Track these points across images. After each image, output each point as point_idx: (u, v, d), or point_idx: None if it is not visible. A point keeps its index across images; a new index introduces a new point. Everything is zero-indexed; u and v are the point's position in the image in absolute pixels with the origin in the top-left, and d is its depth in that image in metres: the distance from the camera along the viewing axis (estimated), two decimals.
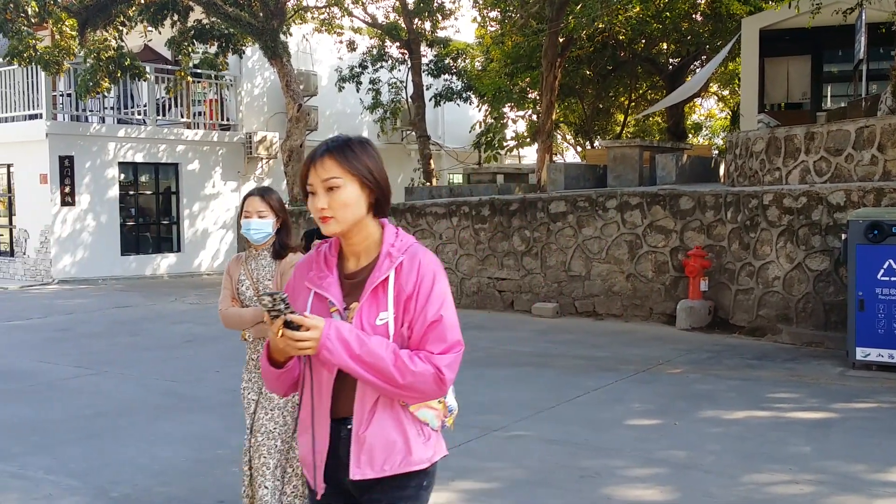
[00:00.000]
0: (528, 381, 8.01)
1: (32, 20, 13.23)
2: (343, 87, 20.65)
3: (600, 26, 18.78)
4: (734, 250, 10.40)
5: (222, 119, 20.38)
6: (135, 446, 6.07)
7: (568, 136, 28.70)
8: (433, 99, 21.23)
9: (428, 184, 19.45)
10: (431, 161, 20.18)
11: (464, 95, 20.84)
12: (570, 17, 16.54)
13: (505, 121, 22.51)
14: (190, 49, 17.40)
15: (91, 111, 18.74)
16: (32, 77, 17.36)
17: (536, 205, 12.14)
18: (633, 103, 25.11)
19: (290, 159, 15.88)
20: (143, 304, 14.07)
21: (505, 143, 22.43)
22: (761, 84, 17.58)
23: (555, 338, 10.16)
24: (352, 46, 20.84)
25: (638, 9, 18.95)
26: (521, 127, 25.14)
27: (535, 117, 23.53)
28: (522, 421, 6.59)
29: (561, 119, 24.93)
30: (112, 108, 19.11)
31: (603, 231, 11.49)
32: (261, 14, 15.90)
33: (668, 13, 20.23)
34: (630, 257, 11.28)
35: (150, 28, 20.15)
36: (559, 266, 11.84)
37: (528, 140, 22.92)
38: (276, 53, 15.71)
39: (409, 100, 20.84)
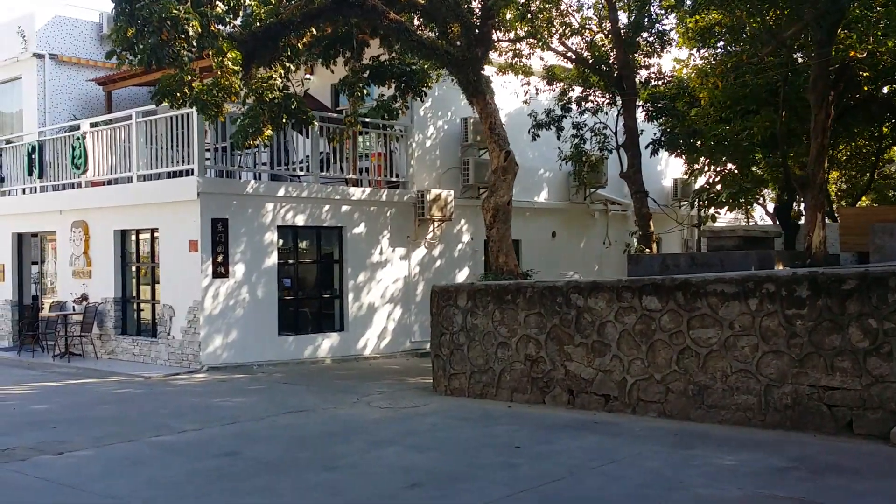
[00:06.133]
0: None
1: (193, 44, 10.56)
2: (538, 136, 17.43)
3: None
4: None
5: (390, 175, 17.49)
6: None
7: (769, 192, 24.62)
8: (650, 146, 17.75)
9: (647, 250, 15.86)
10: (651, 222, 16.58)
11: (686, 143, 17.21)
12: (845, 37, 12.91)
13: (724, 172, 18.84)
14: (364, 91, 14.56)
15: (241, 167, 16.10)
16: (181, 126, 14.88)
17: (887, 282, 8.38)
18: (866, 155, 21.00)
19: (494, 220, 12.63)
20: (320, 407, 10.91)
21: (729, 200, 18.69)
22: None
23: None
24: (550, 82, 17.68)
25: None
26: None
27: (734, 169, 19.76)
28: None
29: (765, 174, 20.93)
30: (265, 164, 16.44)
31: None
32: (458, 42, 12.92)
33: None
34: None
35: (307, 76, 17.73)
36: None
37: (742, 197, 19.11)
38: (479, 90, 12.64)
39: (621, 148, 17.42)
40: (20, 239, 19.18)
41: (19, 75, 20.87)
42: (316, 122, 14.84)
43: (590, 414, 9.89)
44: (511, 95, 18.15)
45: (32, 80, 20.43)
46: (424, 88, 14.76)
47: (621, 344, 9.99)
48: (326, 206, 16.22)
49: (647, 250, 15.84)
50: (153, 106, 15.58)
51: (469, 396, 11.26)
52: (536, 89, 18.13)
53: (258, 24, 12.27)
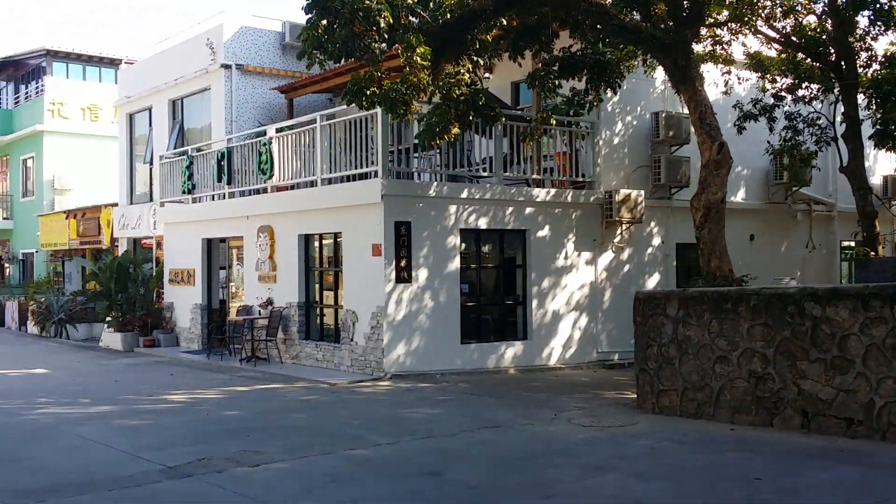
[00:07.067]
0: None
1: (384, 36, 10.10)
2: (744, 129, 15.95)
3: None
4: None
5: (575, 175, 16.52)
6: None
7: None
8: (873, 136, 15.88)
9: (872, 253, 14.11)
10: (877, 222, 14.78)
11: None
12: None
13: None
14: (557, 83, 13.71)
15: (422, 169, 15.59)
16: (361, 128, 14.52)
17: None
18: None
19: (705, 220, 11.44)
20: (516, 422, 10.12)
21: None
22: None
23: None
24: (757, 69, 16.14)
25: None
26: None
27: None
28: None
29: None
30: (446, 165, 15.83)
31: None
32: (663, 24, 11.80)
33: None
34: None
35: (486, 75, 17.09)
36: None
37: None
38: (688, 76, 11.49)
39: (840, 139, 15.66)
40: (209, 244, 19.62)
41: (208, 86, 21.44)
42: (503, 119, 14.10)
43: (830, 440, 8.57)
44: (709, 86, 16.75)
45: (220, 90, 20.91)
46: (618, 80, 13.70)
47: (868, 360, 8.61)
48: (510, 209, 15.48)
49: (873, 253, 14.07)
50: (334, 109, 15.37)
51: (681, 416, 10.13)
52: (739, 78, 16.61)
53: (448, 15, 11.67)
